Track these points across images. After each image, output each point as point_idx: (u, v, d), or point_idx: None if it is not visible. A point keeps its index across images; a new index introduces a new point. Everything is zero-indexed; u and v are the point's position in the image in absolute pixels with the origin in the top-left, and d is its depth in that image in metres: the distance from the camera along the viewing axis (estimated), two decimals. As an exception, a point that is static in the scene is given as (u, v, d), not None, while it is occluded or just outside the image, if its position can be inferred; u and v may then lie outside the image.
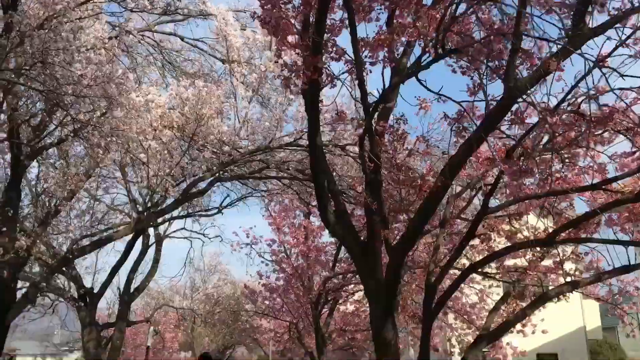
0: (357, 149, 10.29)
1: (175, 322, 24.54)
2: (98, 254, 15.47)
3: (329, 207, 6.08)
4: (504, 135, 5.46)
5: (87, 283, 14.94)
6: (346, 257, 13.28)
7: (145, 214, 9.16)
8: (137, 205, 10.19)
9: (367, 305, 16.44)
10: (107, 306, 23.99)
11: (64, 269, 13.06)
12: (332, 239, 14.46)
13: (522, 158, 5.43)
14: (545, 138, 5.59)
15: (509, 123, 5.28)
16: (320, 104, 5.84)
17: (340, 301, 15.23)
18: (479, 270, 7.87)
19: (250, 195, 12.82)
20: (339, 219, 6.14)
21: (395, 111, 6.06)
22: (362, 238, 6.29)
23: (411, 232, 5.13)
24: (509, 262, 9.00)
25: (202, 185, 9.63)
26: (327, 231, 16.05)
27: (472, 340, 10.56)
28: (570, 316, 23.96)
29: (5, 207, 7.79)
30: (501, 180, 6.24)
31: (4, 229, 7.66)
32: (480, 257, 9.62)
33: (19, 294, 8.61)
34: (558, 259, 7.87)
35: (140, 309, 27.61)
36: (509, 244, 7.32)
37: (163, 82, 9.94)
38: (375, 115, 5.77)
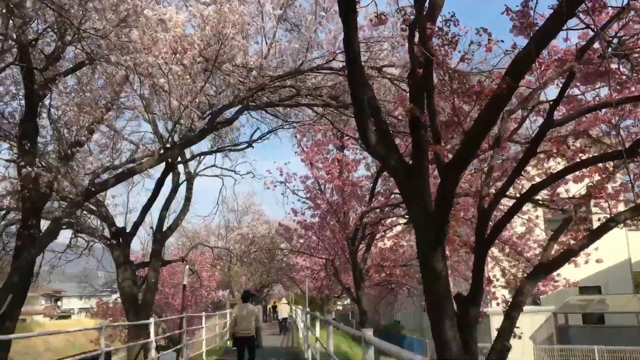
0: (395, 70, 9.45)
1: (211, 261, 24.68)
2: (129, 194, 15.22)
3: (369, 125, 5.36)
4: (580, 26, 4.57)
5: (120, 223, 14.78)
6: (384, 190, 12.64)
7: (169, 145, 8.64)
8: (161, 137, 9.68)
9: (406, 240, 15.98)
10: (141, 246, 24.23)
11: (94, 207, 12.84)
12: (368, 172, 13.81)
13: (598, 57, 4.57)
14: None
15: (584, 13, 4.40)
16: (357, 4, 5.03)
17: (377, 236, 14.74)
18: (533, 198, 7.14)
19: (281, 128, 12.15)
20: (380, 138, 5.44)
21: (443, 11, 5.19)
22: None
23: (469, 146, 4.39)
24: (560, 189, 8.24)
25: (230, 114, 8.99)
26: (362, 165, 15.47)
27: (519, 273, 9.95)
28: (615, 248, 23.08)
29: (22, 140, 7.33)
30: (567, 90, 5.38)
31: (22, 162, 7.22)
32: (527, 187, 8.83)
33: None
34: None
35: (176, 249, 27.87)
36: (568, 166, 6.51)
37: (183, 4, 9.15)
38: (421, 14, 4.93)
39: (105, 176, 8.45)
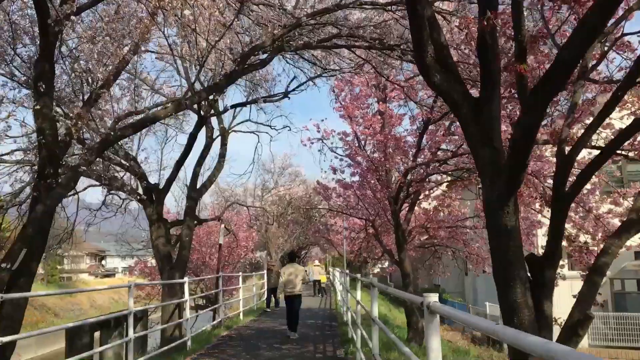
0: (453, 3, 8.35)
1: (247, 222, 24.27)
2: (163, 150, 14.65)
3: (429, 50, 4.42)
4: None
5: (154, 180, 14.28)
6: (432, 144, 11.65)
7: (195, 89, 7.85)
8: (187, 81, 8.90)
9: (453, 199, 15.01)
10: (175, 204, 23.88)
11: (124, 162, 12.31)
12: (413, 127, 12.81)
13: None
14: None
15: None
16: None
17: (421, 196, 13.82)
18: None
19: (319, 77, 11.20)
20: (443, 70, 4.50)
21: None
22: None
23: (564, 63, 3.40)
24: None
25: (263, 57, 8.11)
26: (406, 119, 14.43)
27: (589, 231, 8.96)
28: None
29: (38, 82, 6.66)
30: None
31: (38, 107, 6.57)
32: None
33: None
34: None
35: (213, 208, 27.59)
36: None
37: None
38: None
39: (127, 122, 7.75)
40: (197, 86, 8.54)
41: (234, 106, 12.05)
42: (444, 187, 13.81)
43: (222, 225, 16.28)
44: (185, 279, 12.02)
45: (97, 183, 13.76)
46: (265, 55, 8.24)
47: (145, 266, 25.50)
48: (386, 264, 46.99)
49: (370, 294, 6.54)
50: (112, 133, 6.36)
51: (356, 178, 15.42)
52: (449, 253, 16.70)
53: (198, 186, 13.43)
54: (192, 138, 12.34)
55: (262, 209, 23.62)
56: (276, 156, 36.03)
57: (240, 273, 19.10)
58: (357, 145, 14.07)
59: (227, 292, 24.93)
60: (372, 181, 14.82)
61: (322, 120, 14.29)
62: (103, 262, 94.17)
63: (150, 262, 25.55)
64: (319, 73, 10.82)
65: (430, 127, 11.04)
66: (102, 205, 16.14)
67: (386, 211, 15.50)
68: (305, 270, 14.05)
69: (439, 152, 11.81)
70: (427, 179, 11.81)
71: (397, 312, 26.33)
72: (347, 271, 15.19)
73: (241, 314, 18.34)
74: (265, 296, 19.52)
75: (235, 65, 7.14)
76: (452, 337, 23.21)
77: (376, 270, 52.87)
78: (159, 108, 6.61)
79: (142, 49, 7.71)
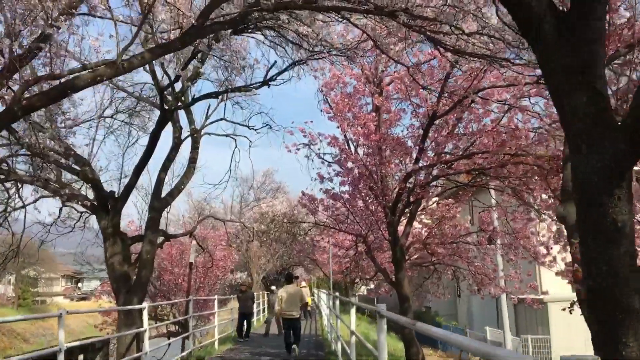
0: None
1: (225, 239, 22.26)
2: (124, 155, 12.75)
3: None
4: None
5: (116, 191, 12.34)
6: (435, 144, 9.87)
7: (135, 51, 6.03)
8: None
9: (457, 211, 13.27)
10: (138, 217, 21.64)
11: (76, 167, 10.42)
12: (414, 123, 11.04)
13: None
14: None
15: None
16: None
17: (421, 207, 12.03)
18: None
19: (304, 63, 9.42)
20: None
21: None
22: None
23: None
24: None
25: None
26: (406, 119, 12.72)
27: None
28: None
29: None
30: None
31: None
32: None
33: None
34: None
35: (185, 223, 25.39)
36: None
37: None
38: None
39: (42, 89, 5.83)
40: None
41: (203, 97, 10.23)
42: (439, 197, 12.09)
43: (193, 242, 14.32)
44: (144, 304, 10.06)
45: (49, 194, 11.85)
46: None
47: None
48: (372, 285, 45.09)
49: (378, 328, 4.69)
50: (17, 106, 4.51)
51: (346, 187, 13.66)
52: (448, 273, 14.89)
53: (163, 194, 11.53)
54: (154, 138, 10.48)
55: (241, 224, 21.61)
56: (257, 172, 34.01)
57: (216, 296, 17.07)
58: (347, 148, 12.32)
59: (204, 317, 22.83)
60: (365, 191, 13.07)
61: (307, 123, 12.44)
62: (80, 284, 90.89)
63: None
64: (303, 58, 9.02)
65: (436, 122, 9.31)
66: (57, 219, 14.16)
67: (380, 225, 13.71)
68: (302, 292, 13.07)
69: (443, 155, 10.07)
70: (431, 184, 10.02)
71: (390, 338, 24.35)
72: (337, 294, 13.31)
73: (216, 343, 16.29)
74: (237, 324, 16.99)
75: (195, 21, 5.35)
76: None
77: (362, 292, 50.84)
78: (85, 72, 4.85)
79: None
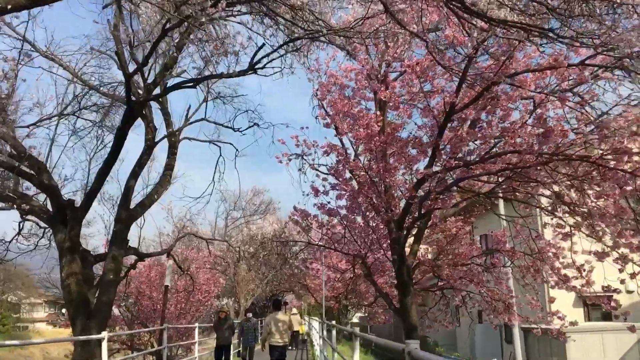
0: None
1: (209, 261, 20.49)
2: (91, 162, 11.13)
3: None
4: None
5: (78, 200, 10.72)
6: (453, 144, 8.34)
7: None
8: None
9: (469, 227, 11.70)
10: (106, 232, 19.51)
11: (32, 172, 8.81)
12: (426, 123, 9.52)
13: None
14: None
15: None
16: None
17: (430, 222, 10.44)
18: None
19: (298, 47, 7.95)
20: None
21: None
22: None
23: None
24: None
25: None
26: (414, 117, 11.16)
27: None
28: None
29: None
30: None
31: None
32: None
33: None
34: None
35: (168, 244, 23.50)
36: None
37: None
38: None
39: None
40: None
41: (177, 86, 8.65)
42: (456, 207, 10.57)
43: (170, 262, 12.64)
44: (104, 334, 8.37)
45: (4, 205, 10.22)
46: None
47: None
48: (364, 312, 43.13)
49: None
50: None
51: (343, 202, 12.14)
52: (456, 299, 13.24)
53: (133, 205, 9.91)
54: (121, 136, 8.89)
55: (226, 244, 19.81)
56: (246, 189, 31.94)
57: (197, 324, 15.28)
58: (346, 155, 10.82)
59: (185, 347, 20.91)
60: (365, 205, 11.57)
61: (302, 128, 10.97)
62: (63, 310, 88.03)
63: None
64: (295, 37, 7.55)
65: (455, 114, 7.80)
66: (17, 235, 12.51)
67: (382, 243, 12.15)
68: (290, 319, 12.68)
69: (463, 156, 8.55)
70: (451, 188, 8.43)
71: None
72: (333, 322, 11.65)
73: (196, 377, 14.50)
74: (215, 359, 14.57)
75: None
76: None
77: (354, 319, 48.75)
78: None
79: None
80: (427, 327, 13.51)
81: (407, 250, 10.46)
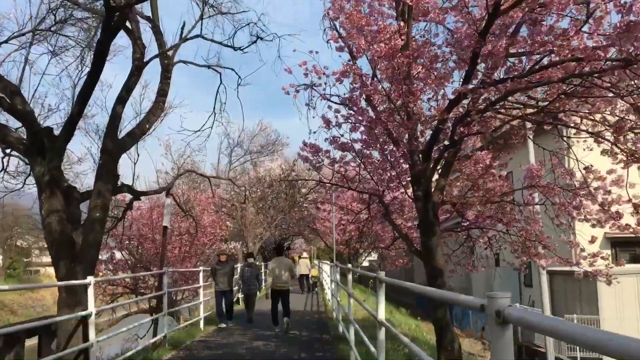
0: None
1: (213, 201, 19.42)
2: (76, 88, 9.83)
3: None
4: None
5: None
6: (496, 51, 6.94)
7: None
8: None
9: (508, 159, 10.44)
10: (92, 168, 18.31)
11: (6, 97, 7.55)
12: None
13: None
14: None
15: None
16: None
17: (464, 147, 9.14)
18: None
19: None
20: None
21: None
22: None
23: None
24: None
25: None
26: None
27: None
28: None
29: None
30: None
31: None
32: None
33: None
34: None
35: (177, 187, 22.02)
36: None
37: None
38: None
39: None
40: None
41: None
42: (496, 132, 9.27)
43: (168, 200, 11.54)
44: (90, 278, 7.34)
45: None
46: None
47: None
48: (374, 255, 42.47)
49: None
50: None
51: (357, 135, 10.89)
52: (481, 240, 12.11)
53: (120, 134, 8.71)
54: (102, 53, 7.57)
55: (230, 182, 18.60)
56: (250, 122, 30.08)
57: (201, 268, 14.36)
58: (362, 79, 9.46)
59: (191, 292, 20.21)
60: (382, 138, 10.33)
61: (312, 53, 9.55)
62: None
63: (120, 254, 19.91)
64: None
65: (500, 15, 6.37)
66: (2, 172, 11.46)
67: (402, 179, 10.95)
68: (293, 263, 12.90)
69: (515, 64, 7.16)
70: (497, 104, 7.05)
71: (399, 314, 21.85)
72: (349, 265, 10.59)
73: (202, 322, 13.69)
74: (215, 305, 13.87)
75: None
76: (470, 345, 18.87)
77: (365, 263, 48.22)
78: None
79: None
80: (449, 271, 12.47)
81: (434, 184, 9.25)
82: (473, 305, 2.23)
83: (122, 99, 8.59)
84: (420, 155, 8.79)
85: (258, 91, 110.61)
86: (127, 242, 18.84)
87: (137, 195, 10.87)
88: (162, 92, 9.46)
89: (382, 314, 5.34)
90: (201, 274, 14.03)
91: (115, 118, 8.51)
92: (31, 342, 12.96)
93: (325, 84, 9.90)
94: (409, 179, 11.20)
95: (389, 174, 11.47)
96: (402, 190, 11.76)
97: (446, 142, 8.24)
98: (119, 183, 9.93)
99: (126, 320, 19.59)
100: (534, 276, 20.96)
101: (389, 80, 8.98)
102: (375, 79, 9.06)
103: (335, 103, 10.23)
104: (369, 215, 13.13)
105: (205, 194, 20.80)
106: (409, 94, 8.44)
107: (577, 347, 13.71)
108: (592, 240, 11.64)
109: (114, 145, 8.42)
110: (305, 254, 34.42)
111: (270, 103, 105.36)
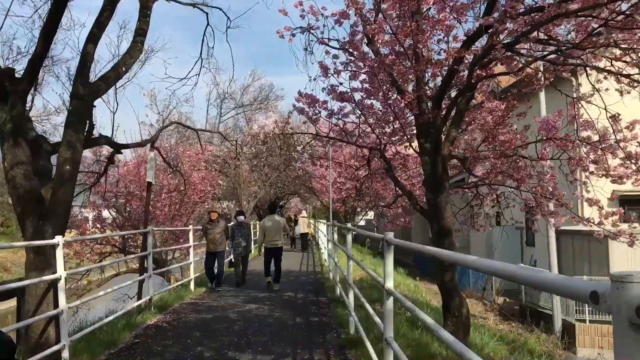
0: None
1: (201, 156, 18.43)
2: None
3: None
4: None
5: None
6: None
7: None
8: None
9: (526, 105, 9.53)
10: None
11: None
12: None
13: None
14: None
15: None
16: None
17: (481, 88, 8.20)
18: None
19: None
20: None
21: None
22: None
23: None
24: None
25: None
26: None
27: None
28: None
29: None
30: None
31: None
32: None
33: None
34: None
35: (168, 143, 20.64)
36: None
37: None
38: None
39: None
40: None
41: None
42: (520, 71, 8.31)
43: (152, 154, 10.63)
44: (58, 238, 6.53)
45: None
46: None
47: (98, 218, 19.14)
48: (371, 214, 41.83)
49: None
50: None
51: (358, 84, 10.00)
52: (488, 199, 11.31)
53: (93, 77, 7.75)
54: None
55: (220, 136, 17.47)
56: (242, 71, 28.22)
57: (191, 227, 13.59)
58: (362, 16, 8.47)
59: (183, 251, 19.53)
60: (386, 85, 9.42)
61: None
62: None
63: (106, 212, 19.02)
64: None
65: None
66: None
67: (406, 131, 10.08)
68: (289, 222, 11.81)
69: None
70: (526, 38, 6.06)
71: (397, 274, 21.25)
72: (349, 225, 9.79)
73: (192, 283, 13.02)
74: (205, 267, 12.88)
75: None
76: (471, 307, 18.32)
77: (362, 222, 47.64)
78: None
79: None
80: (455, 231, 11.73)
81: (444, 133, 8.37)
82: (578, 294, 1.37)
83: (93, 36, 7.57)
84: (430, 103, 7.88)
85: (252, 44, 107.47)
86: (114, 199, 18.02)
87: (117, 148, 9.95)
88: (141, 32, 8.42)
89: (390, 282, 4.55)
90: (191, 233, 13.26)
91: (85, 58, 7.51)
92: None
93: (324, 26, 8.93)
94: (413, 131, 10.37)
95: (392, 126, 10.60)
96: (406, 144, 10.92)
97: (458, 88, 7.32)
98: (95, 134, 9.00)
99: (115, 280, 18.96)
100: (537, 235, 20.36)
101: (395, 17, 7.99)
102: (380, 14, 8.03)
103: (334, 48, 9.28)
104: (368, 172, 12.32)
105: (194, 149, 19.80)
106: (419, 31, 7.47)
107: (586, 309, 13.15)
108: (612, 197, 10.90)
109: (86, 89, 7.45)
110: (304, 213, 33.75)
111: (265, 58, 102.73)
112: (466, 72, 7.45)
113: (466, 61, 6.64)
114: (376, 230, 44.75)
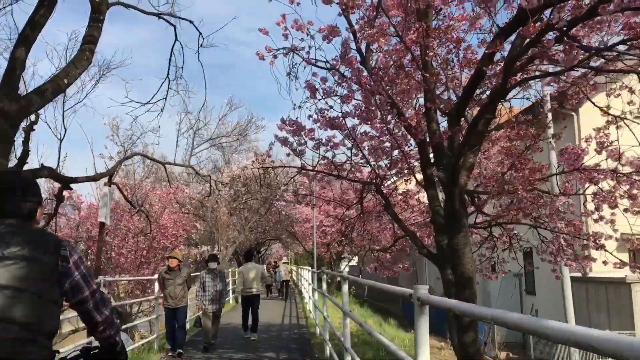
0: None
1: (172, 196, 16.65)
2: None
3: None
4: None
5: None
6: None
7: None
8: None
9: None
10: None
11: None
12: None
13: None
14: None
15: None
16: None
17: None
18: None
19: None
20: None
21: None
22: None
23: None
24: None
25: None
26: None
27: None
28: None
29: None
30: None
31: None
32: None
33: None
34: None
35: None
36: None
37: None
38: None
39: None
40: None
41: None
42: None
43: (105, 189, 8.94)
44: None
45: None
46: None
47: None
48: (354, 261, 39.96)
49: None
50: None
51: (350, 108, 8.61)
52: (504, 237, 9.72)
53: (23, 87, 6.13)
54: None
55: (192, 170, 15.58)
56: (218, 99, 26.33)
57: (156, 276, 11.75)
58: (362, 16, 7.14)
59: (151, 303, 17.48)
60: (386, 108, 7.97)
61: (293, 3, 6.99)
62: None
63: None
64: None
65: None
66: None
67: (409, 160, 8.62)
68: (267, 267, 10.73)
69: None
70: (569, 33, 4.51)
71: (388, 327, 19.44)
72: (344, 272, 8.14)
73: (156, 344, 11.11)
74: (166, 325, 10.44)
75: None
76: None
77: (345, 269, 45.70)
78: None
79: None
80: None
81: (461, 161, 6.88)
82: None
83: (25, 38, 6.04)
84: (445, 120, 6.43)
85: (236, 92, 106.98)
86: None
87: (64, 182, 8.27)
88: (90, 39, 6.92)
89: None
90: (156, 284, 11.42)
91: (14, 64, 5.96)
92: None
93: (310, 47, 7.54)
94: (416, 162, 8.96)
95: (392, 157, 9.12)
96: (406, 177, 9.45)
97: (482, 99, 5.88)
98: (31, 163, 7.33)
99: (73, 337, 16.79)
100: (538, 282, 18.80)
101: (400, 19, 6.61)
102: (380, 9, 6.59)
103: (323, 68, 7.90)
104: (360, 212, 10.73)
105: (166, 188, 17.98)
106: (427, 35, 6.09)
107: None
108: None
109: (12, 103, 5.86)
110: (285, 259, 32.06)
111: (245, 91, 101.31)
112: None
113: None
114: (360, 277, 42.72)
